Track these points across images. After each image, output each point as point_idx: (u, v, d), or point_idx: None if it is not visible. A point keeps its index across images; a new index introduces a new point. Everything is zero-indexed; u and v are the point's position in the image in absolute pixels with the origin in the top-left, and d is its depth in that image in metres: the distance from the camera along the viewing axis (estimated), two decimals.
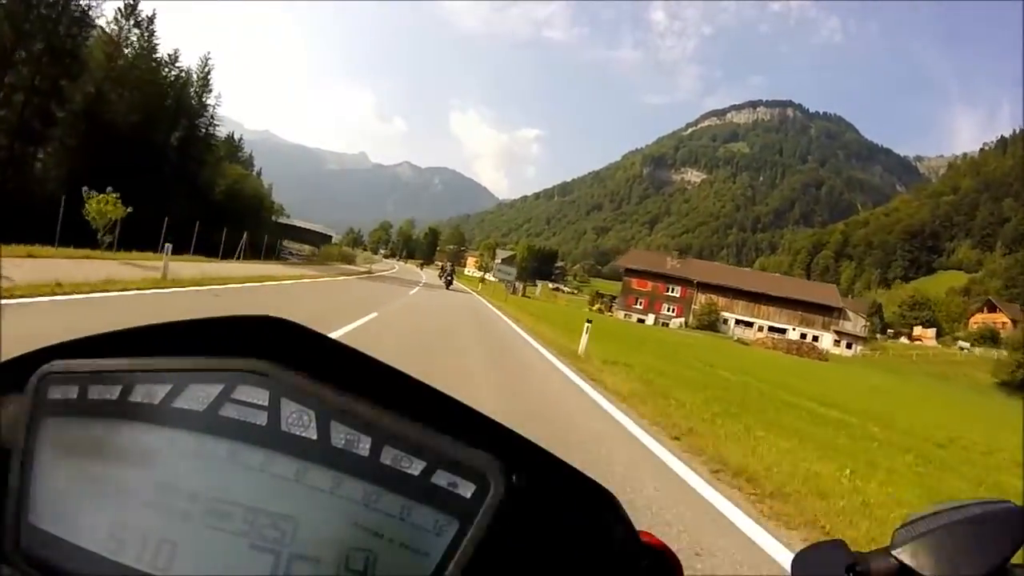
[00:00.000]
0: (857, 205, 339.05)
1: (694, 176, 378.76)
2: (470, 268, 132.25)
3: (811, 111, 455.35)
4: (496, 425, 0.44)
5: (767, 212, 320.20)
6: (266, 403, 0.38)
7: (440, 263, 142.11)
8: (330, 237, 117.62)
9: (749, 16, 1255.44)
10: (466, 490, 0.37)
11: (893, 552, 0.38)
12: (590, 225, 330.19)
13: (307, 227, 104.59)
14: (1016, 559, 0.36)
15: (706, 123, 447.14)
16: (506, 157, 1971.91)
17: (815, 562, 0.41)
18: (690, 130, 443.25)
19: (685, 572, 0.49)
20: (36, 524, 0.37)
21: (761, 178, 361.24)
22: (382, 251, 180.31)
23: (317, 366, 0.40)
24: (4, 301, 5.74)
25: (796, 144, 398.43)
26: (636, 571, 0.46)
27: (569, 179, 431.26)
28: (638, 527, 0.48)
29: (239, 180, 36.85)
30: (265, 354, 0.40)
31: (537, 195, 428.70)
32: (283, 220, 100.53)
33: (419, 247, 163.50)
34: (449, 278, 39.67)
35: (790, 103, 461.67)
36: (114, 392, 0.39)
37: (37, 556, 0.37)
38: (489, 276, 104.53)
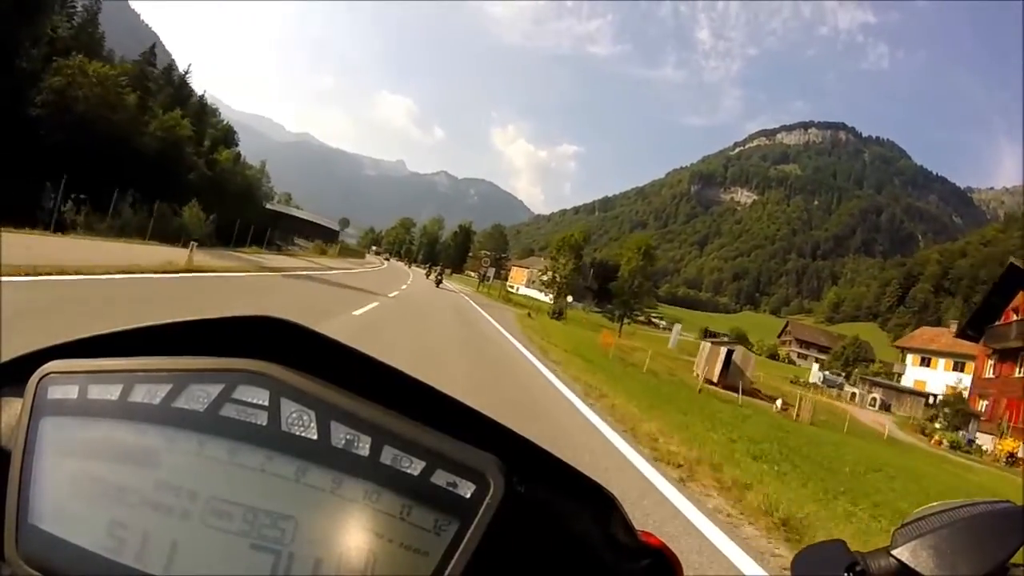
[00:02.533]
0: (917, 235, 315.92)
1: (744, 196, 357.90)
2: (517, 283, 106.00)
3: (864, 135, 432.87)
4: (496, 425, 0.44)
5: (826, 238, 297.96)
6: (266, 403, 0.38)
7: (476, 271, 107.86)
8: (336, 232, 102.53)
9: (796, 39, 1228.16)
10: (466, 490, 0.36)
11: (893, 552, 0.38)
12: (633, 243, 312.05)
13: (309, 219, 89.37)
14: (1016, 559, 0.36)
15: (755, 143, 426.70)
16: (543, 172, 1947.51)
17: (815, 562, 0.41)
18: (738, 149, 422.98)
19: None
20: (36, 524, 0.37)
21: (816, 201, 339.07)
22: (373, 248, 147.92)
23: (317, 366, 0.40)
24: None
25: (850, 168, 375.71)
26: (636, 571, 0.46)
27: (611, 194, 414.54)
28: (640, 527, 0.47)
29: (76, 78, 19.04)
30: (265, 354, 0.40)
31: (576, 209, 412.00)
32: (274, 207, 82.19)
33: (447, 251, 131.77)
34: (439, 278, 41.17)
35: (843, 126, 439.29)
36: (114, 392, 0.39)
37: (37, 556, 0.37)
38: (573, 301, 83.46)
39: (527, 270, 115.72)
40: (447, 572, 0.35)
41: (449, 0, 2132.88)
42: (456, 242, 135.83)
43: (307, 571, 0.35)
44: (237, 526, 0.36)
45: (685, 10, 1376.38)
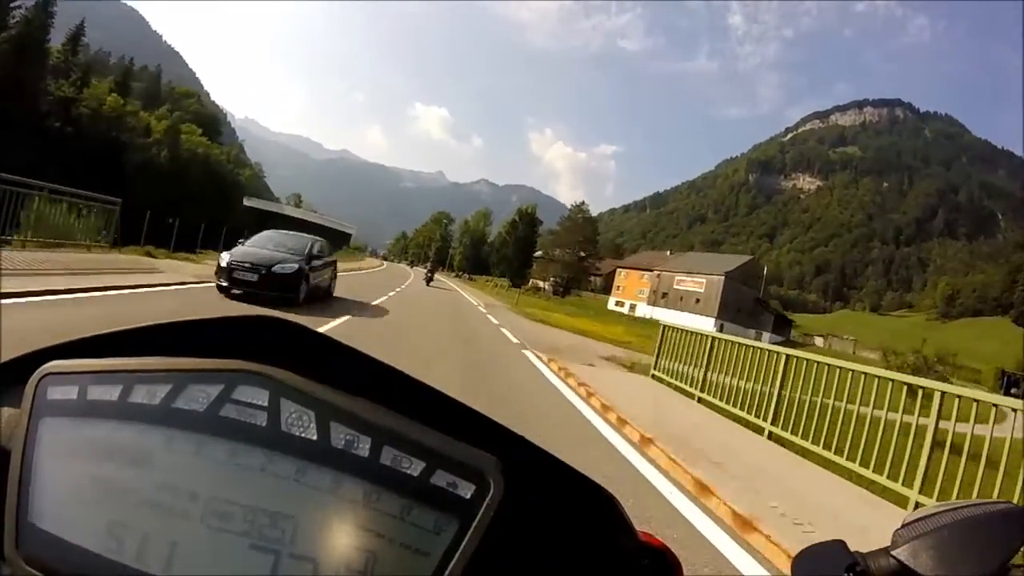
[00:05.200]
0: (997, 214, 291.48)
1: (807, 183, 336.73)
2: (629, 298, 73.87)
3: (921, 111, 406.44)
4: (496, 425, 0.44)
5: (907, 222, 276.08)
6: (266, 403, 0.38)
7: (546, 279, 77.02)
8: (349, 236, 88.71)
9: (832, 18, 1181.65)
10: (466, 490, 0.37)
11: (893, 552, 0.38)
12: (697, 239, 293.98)
13: (311, 220, 75.16)
14: (1016, 559, 0.36)
15: (808, 126, 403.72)
16: (583, 174, 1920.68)
17: (815, 562, 0.41)
18: (790, 135, 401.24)
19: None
20: (36, 524, 0.37)
21: (886, 184, 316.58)
22: (381, 253, 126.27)
23: (317, 366, 0.40)
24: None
25: (913, 146, 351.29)
26: (636, 571, 0.46)
27: (661, 190, 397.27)
28: (638, 525, 0.47)
29: None
30: (265, 354, 0.40)
31: (627, 208, 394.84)
32: (257, 204, 68.93)
33: (502, 251, 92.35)
34: (429, 275, 33.34)
35: (899, 102, 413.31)
36: (114, 392, 0.39)
37: (37, 556, 0.37)
38: (742, 328, 62.14)
39: (647, 275, 74.06)
40: (447, 572, 0.35)
41: (472, 8, 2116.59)
42: (515, 238, 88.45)
43: (307, 571, 0.35)
44: (237, 526, 0.36)
45: None
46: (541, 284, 75.74)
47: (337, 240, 73.98)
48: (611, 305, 74.60)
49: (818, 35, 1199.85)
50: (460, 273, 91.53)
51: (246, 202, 66.38)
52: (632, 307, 71.17)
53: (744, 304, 63.69)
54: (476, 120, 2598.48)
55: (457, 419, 0.42)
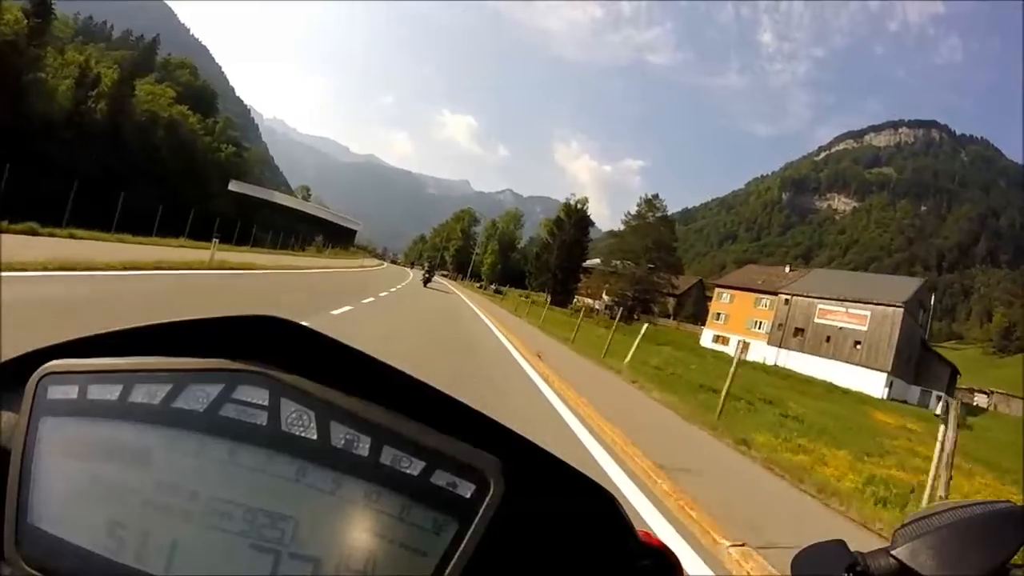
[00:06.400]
0: None
1: (842, 203, 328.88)
2: (736, 331, 49.03)
3: (958, 133, 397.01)
4: (496, 425, 0.44)
5: (949, 247, 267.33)
6: (266, 403, 0.38)
7: (594, 296, 58.08)
8: (353, 232, 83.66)
9: (863, 36, 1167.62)
10: (466, 490, 0.37)
11: (893, 552, 0.38)
12: (730, 257, 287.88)
13: (311, 212, 70.08)
14: (1016, 559, 0.36)
15: (841, 146, 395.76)
16: (609, 188, 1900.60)
17: (815, 562, 0.41)
18: (823, 154, 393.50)
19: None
20: (36, 524, 0.37)
21: (923, 207, 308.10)
22: (392, 256, 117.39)
23: (317, 366, 0.40)
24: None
25: (950, 169, 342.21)
26: (636, 571, 0.46)
27: (691, 206, 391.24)
28: (638, 525, 0.47)
29: None
30: (265, 354, 0.40)
31: None
32: (245, 189, 60.42)
33: (541, 261, 69.97)
34: (427, 275, 31.86)
35: (935, 123, 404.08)
36: (114, 392, 0.39)
37: (37, 556, 0.37)
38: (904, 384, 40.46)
39: (767, 300, 52.63)
40: (446, 572, 0.35)
41: (501, 16, 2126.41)
42: (559, 241, 66.48)
43: (307, 571, 0.35)
44: (237, 526, 0.36)
45: (747, 12, 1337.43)
46: (592, 303, 56.98)
47: (342, 236, 67.44)
48: (706, 341, 53.86)
49: (849, 53, 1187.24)
50: (487, 284, 77.98)
51: (231, 186, 57.70)
52: (743, 346, 40.69)
53: (912, 351, 45.30)
54: (502, 129, 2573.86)
55: (457, 419, 0.42)
